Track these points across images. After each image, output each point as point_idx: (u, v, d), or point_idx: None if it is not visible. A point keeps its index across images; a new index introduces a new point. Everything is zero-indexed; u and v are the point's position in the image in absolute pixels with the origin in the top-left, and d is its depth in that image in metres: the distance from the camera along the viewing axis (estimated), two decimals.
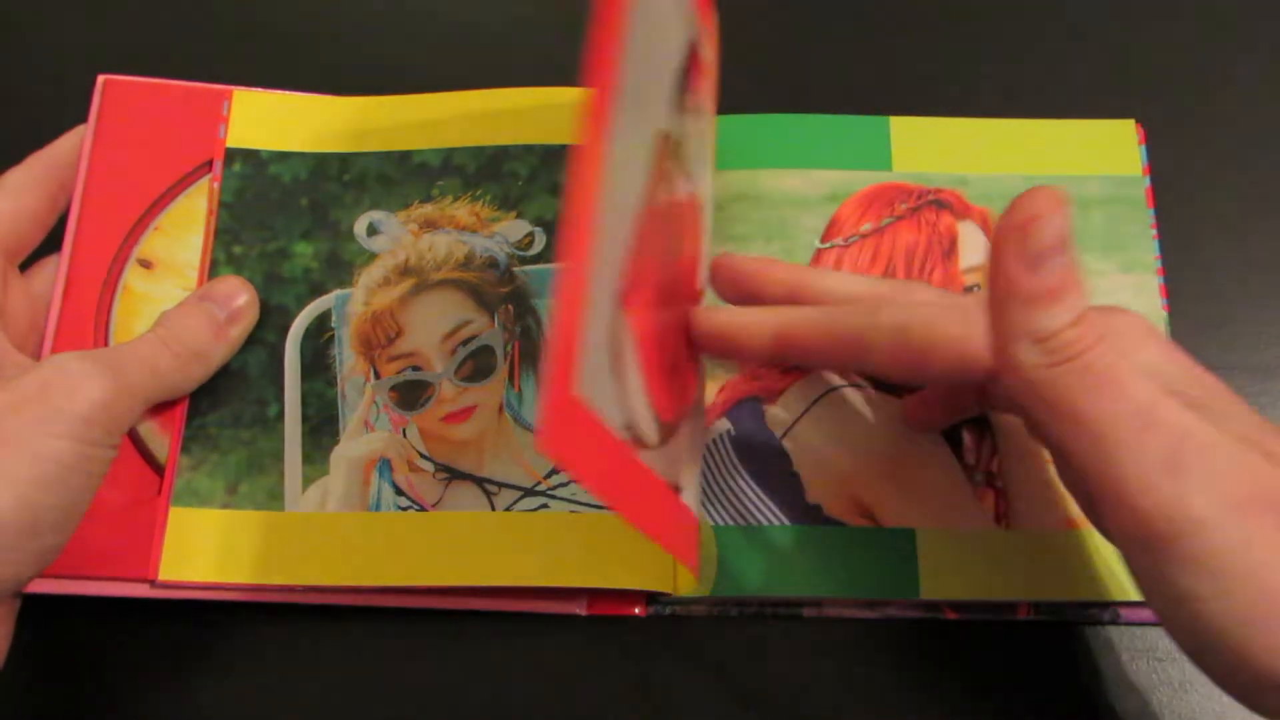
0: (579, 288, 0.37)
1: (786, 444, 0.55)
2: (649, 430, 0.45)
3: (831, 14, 0.68)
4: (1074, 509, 0.54)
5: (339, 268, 0.57)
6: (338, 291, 0.57)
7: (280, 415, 0.55)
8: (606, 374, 0.40)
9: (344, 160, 0.59)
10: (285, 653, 0.54)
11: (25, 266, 0.56)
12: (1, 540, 0.44)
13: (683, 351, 0.51)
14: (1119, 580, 0.53)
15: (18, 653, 0.49)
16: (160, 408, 0.54)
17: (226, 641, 0.54)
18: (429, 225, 0.58)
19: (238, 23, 0.67)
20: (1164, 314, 0.58)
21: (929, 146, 0.61)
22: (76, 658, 0.54)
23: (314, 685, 0.53)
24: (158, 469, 0.54)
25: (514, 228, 0.58)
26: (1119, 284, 0.58)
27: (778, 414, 0.56)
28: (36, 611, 0.50)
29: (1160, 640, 0.54)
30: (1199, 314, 0.59)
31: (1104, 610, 0.54)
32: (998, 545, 0.54)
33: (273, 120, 0.60)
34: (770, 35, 0.68)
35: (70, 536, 0.47)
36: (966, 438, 0.56)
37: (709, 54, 0.55)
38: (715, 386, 0.56)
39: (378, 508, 0.54)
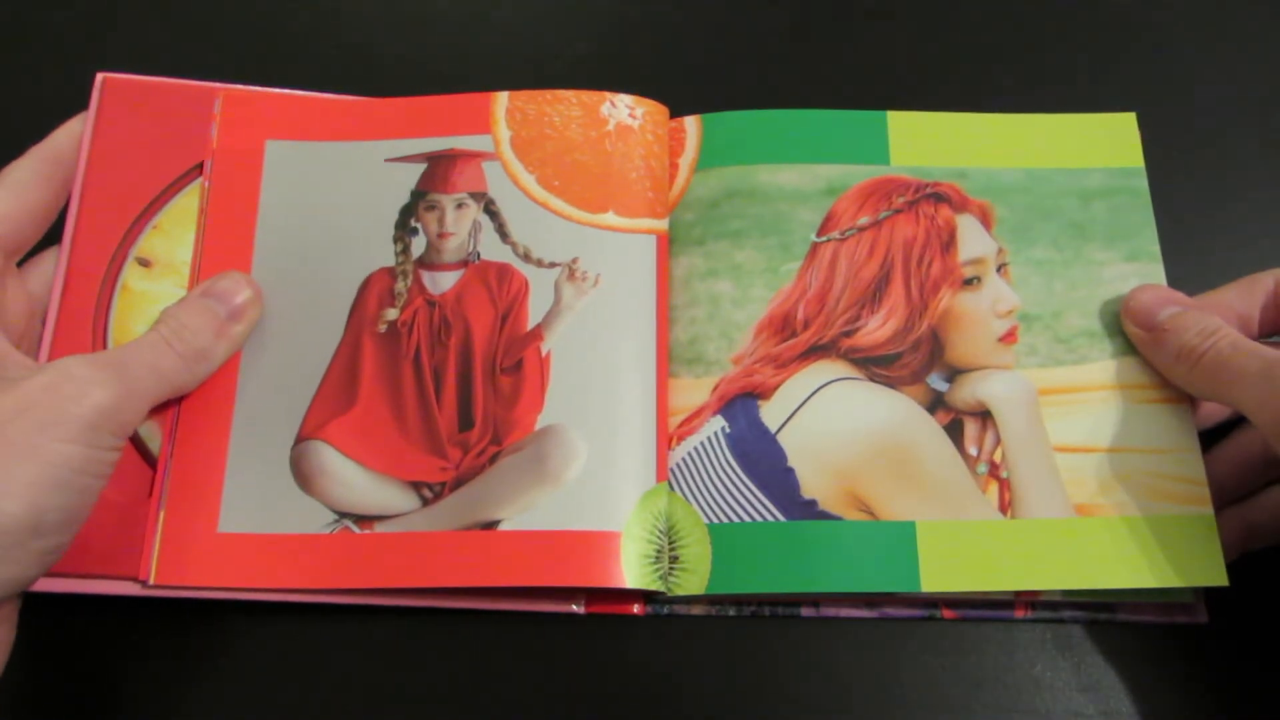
0: (216, 455, 0.54)
1: (781, 439, 0.55)
2: (401, 502, 0.54)
3: (829, 9, 0.68)
4: (1080, 496, 0.54)
5: None
6: None
7: None
8: (286, 493, 0.54)
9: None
10: (283, 652, 0.54)
11: (21, 263, 0.56)
12: (8, 542, 0.44)
13: (452, 420, 0.56)
14: (1125, 566, 0.53)
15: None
16: (159, 405, 0.54)
17: (223, 640, 0.54)
18: None
19: (239, 21, 0.67)
20: None
21: (927, 140, 0.60)
22: (70, 654, 0.54)
23: (313, 684, 0.53)
24: (154, 465, 0.54)
25: None
26: (1124, 272, 0.58)
27: (772, 410, 0.56)
28: (29, 608, 0.50)
29: (1159, 640, 0.54)
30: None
31: (1101, 610, 0.54)
32: (1003, 535, 0.53)
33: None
34: (768, 31, 0.67)
35: (74, 536, 0.47)
36: (969, 428, 0.55)
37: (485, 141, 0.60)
38: (710, 384, 0.56)
39: None
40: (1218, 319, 0.53)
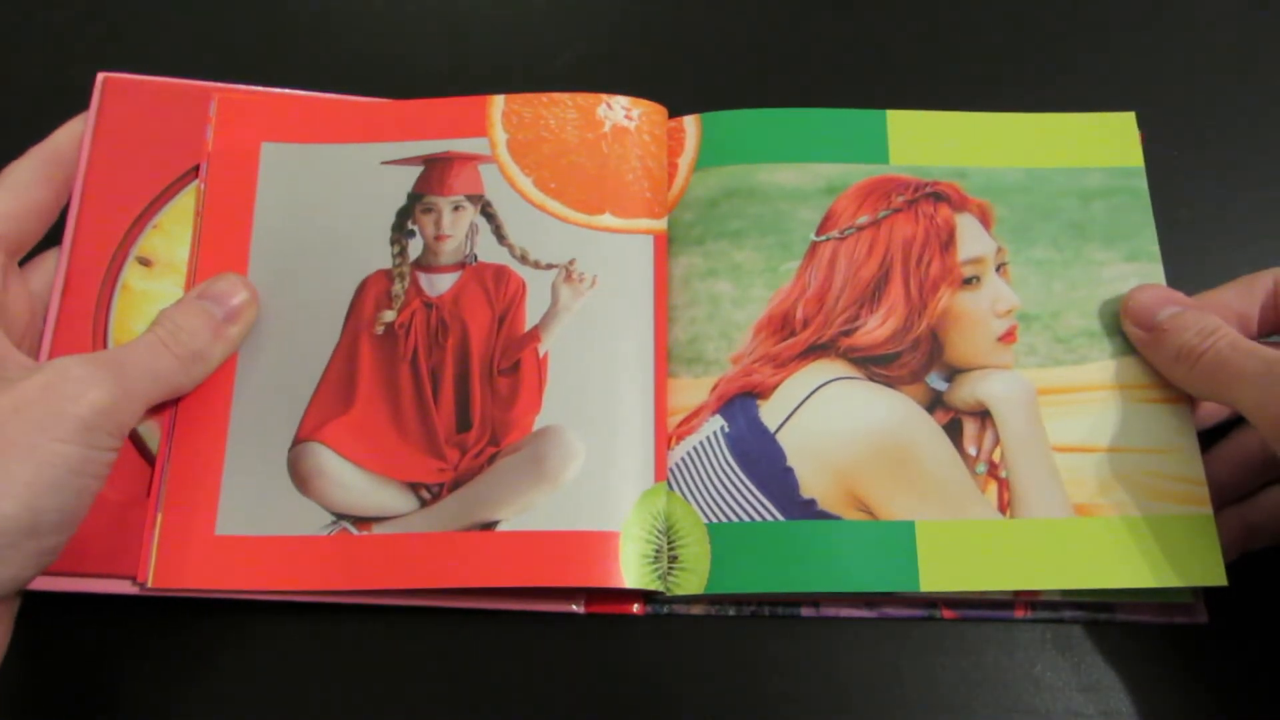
0: (214, 457, 0.54)
1: (780, 439, 0.55)
2: (399, 503, 0.54)
3: (829, 7, 0.68)
4: (1080, 496, 0.54)
5: None
6: None
7: None
8: (284, 495, 0.54)
9: None
10: (282, 652, 0.54)
11: (23, 262, 0.56)
12: (4, 542, 0.44)
13: (450, 422, 0.56)
14: (1124, 566, 0.52)
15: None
16: (156, 407, 0.54)
17: (221, 639, 0.54)
18: None
19: (239, 22, 0.67)
20: None
21: (927, 139, 0.60)
22: (67, 653, 0.54)
23: (312, 684, 0.54)
24: (153, 464, 0.54)
25: None
26: (1123, 272, 0.58)
27: (772, 409, 0.56)
28: (27, 607, 0.50)
29: (1158, 640, 0.54)
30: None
31: (1100, 610, 0.54)
32: (1002, 535, 0.53)
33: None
34: (767, 30, 0.67)
35: (70, 536, 0.47)
36: (968, 428, 0.55)
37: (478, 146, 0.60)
38: (709, 384, 0.56)
39: None
40: (1217, 319, 0.53)
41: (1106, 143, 0.60)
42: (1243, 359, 0.50)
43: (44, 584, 0.51)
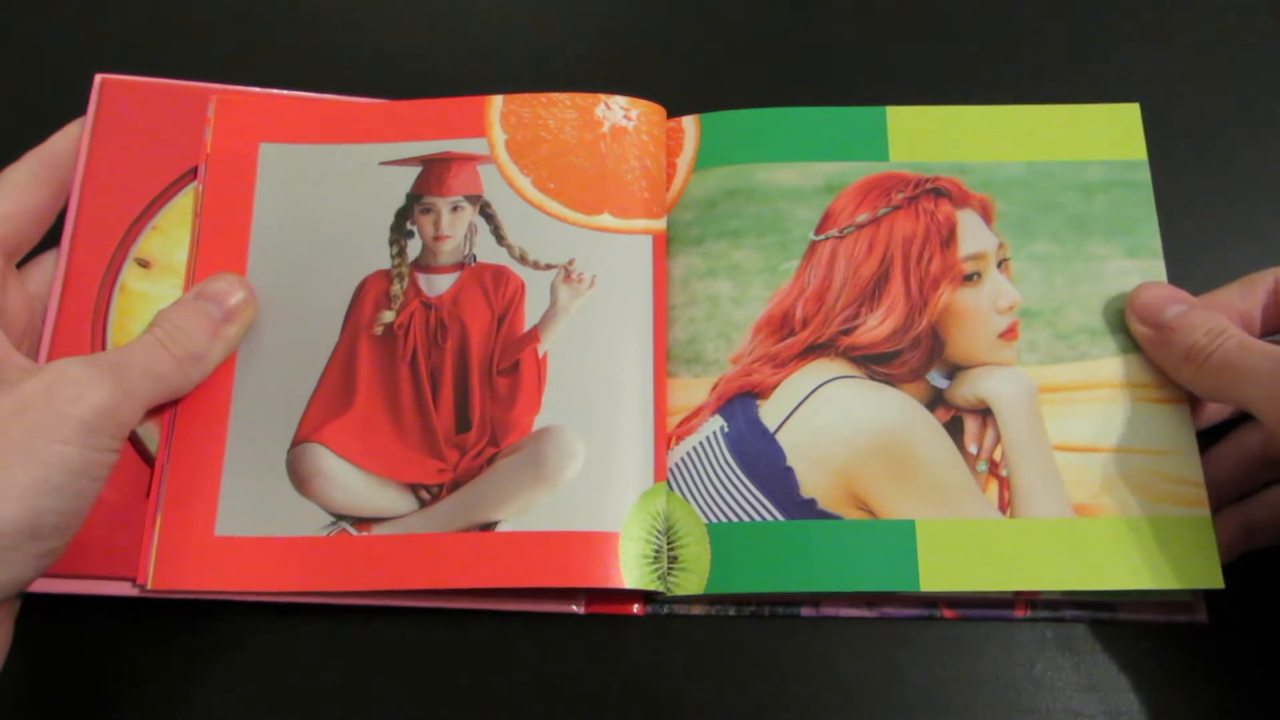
0: (213, 458, 0.54)
1: (780, 439, 0.55)
2: (399, 504, 0.54)
3: (827, 5, 0.68)
4: (1079, 495, 0.53)
5: None
6: None
7: None
8: (283, 496, 0.54)
9: None
10: (282, 652, 0.54)
11: (21, 264, 0.56)
12: (5, 544, 0.44)
13: (450, 420, 0.56)
14: (1122, 567, 0.52)
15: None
16: (156, 408, 0.54)
17: (221, 640, 0.54)
18: None
19: (238, 22, 0.67)
20: None
21: (927, 135, 0.60)
22: (68, 654, 0.54)
23: (312, 685, 0.54)
24: (153, 465, 0.54)
25: None
26: (1125, 268, 0.58)
27: (771, 409, 0.56)
28: (27, 608, 0.50)
29: (1159, 639, 0.54)
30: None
31: (1101, 609, 0.54)
32: (1002, 534, 0.53)
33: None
34: (766, 29, 0.67)
35: (72, 538, 0.47)
36: (969, 426, 0.55)
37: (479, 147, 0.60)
38: (708, 384, 0.56)
39: None
40: (1224, 319, 0.53)
41: (1109, 135, 0.60)
42: (1255, 359, 0.50)
43: (43, 585, 0.51)
